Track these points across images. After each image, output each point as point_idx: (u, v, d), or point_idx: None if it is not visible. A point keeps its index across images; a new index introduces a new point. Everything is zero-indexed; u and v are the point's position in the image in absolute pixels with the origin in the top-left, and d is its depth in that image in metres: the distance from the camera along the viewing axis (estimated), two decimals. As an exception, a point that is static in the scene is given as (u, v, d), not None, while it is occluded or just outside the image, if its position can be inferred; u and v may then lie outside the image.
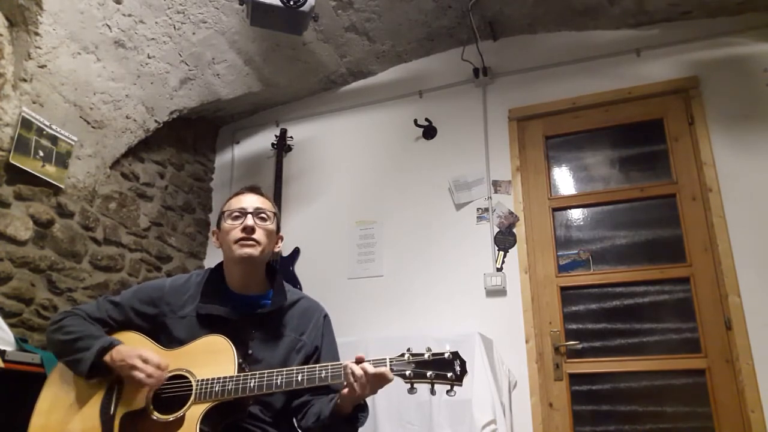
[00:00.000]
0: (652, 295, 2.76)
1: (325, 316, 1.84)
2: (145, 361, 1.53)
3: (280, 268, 3.30)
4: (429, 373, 1.43)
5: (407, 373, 1.45)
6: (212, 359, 1.58)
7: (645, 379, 2.65)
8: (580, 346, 2.78)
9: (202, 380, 1.56)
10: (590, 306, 2.85)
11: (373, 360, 1.48)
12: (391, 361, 1.48)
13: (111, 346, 1.59)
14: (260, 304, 1.75)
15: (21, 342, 2.22)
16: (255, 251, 1.70)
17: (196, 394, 1.54)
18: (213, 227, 1.88)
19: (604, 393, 2.71)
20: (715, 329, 2.59)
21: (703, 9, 2.92)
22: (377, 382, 1.45)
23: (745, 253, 2.59)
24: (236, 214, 1.73)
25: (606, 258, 2.89)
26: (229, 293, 1.75)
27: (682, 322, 2.68)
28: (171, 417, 1.52)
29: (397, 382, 1.48)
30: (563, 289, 2.90)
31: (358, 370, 1.45)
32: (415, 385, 1.44)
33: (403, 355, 1.48)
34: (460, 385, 1.44)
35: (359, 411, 1.57)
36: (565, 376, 2.75)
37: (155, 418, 1.53)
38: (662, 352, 2.66)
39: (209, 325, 1.66)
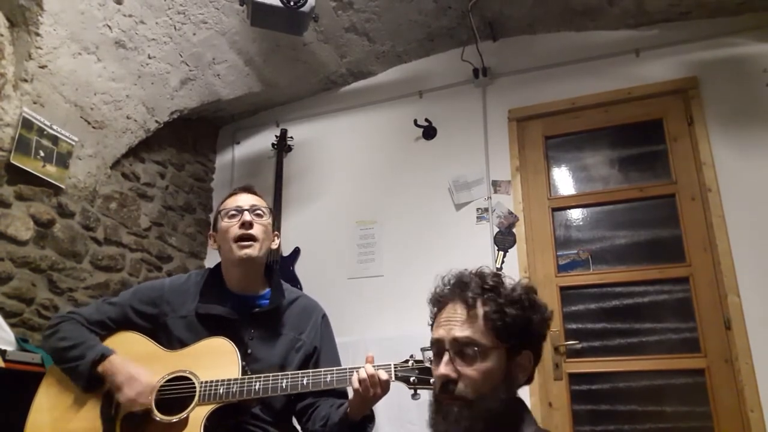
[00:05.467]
0: (651, 294, 2.76)
1: (324, 315, 1.86)
2: (131, 380, 1.54)
3: (280, 268, 3.31)
4: (432, 380, 1.45)
5: (411, 379, 1.47)
6: (215, 361, 1.59)
7: (644, 378, 2.65)
8: (579, 345, 2.78)
9: (206, 382, 1.56)
10: (590, 306, 2.85)
11: (377, 366, 1.50)
12: (395, 367, 1.50)
13: (103, 358, 1.59)
14: (259, 303, 1.76)
15: (21, 342, 2.23)
16: (254, 251, 1.71)
17: (200, 395, 1.55)
18: (210, 230, 1.89)
19: (604, 393, 2.71)
20: (714, 329, 2.60)
21: (703, 9, 2.92)
22: (381, 384, 1.47)
23: (745, 253, 2.60)
24: (233, 212, 1.75)
25: (605, 258, 2.89)
26: (227, 293, 1.76)
27: (681, 321, 2.68)
28: (174, 418, 1.52)
29: (401, 386, 1.50)
30: (563, 288, 2.90)
31: (363, 372, 1.47)
32: (419, 391, 1.47)
33: (407, 361, 1.51)
34: None
35: (367, 421, 1.58)
36: (564, 375, 2.75)
37: (158, 419, 1.52)
38: (662, 352, 2.66)
39: (209, 324, 1.67)
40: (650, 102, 3.00)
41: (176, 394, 1.57)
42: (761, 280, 2.54)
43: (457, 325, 1.09)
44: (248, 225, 1.72)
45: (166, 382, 1.59)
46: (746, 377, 2.45)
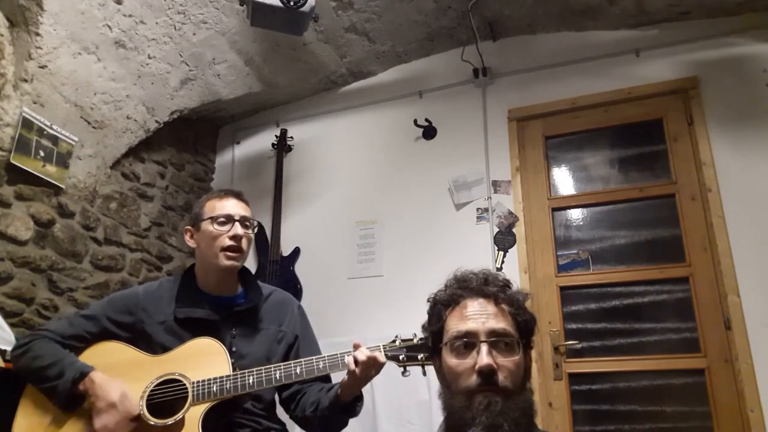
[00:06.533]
0: (651, 294, 2.76)
1: (299, 306, 1.90)
2: (111, 408, 1.50)
3: (279, 268, 3.32)
4: (420, 356, 1.53)
5: (401, 357, 1.54)
6: (204, 361, 1.59)
7: (644, 378, 2.65)
8: (579, 345, 2.78)
9: (199, 381, 1.56)
10: (590, 306, 2.85)
11: (367, 347, 1.56)
12: (384, 347, 1.56)
13: (83, 376, 1.54)
14: (235, 303, 1.77)
15: (22, 342, 2.23)
16: (239, 263, 1.75)
17: (193, 395, 1.54)
18: (188, 225, 1.84)
19: (604, 392, 2.71)
20: (714, 329, 2.60)
21: (703, 9, 2.92)
22: (376, 365, 1.53)
23: (745, 253, 2.60)
24: (222, 219, 1.73)
25: (605, 258, 2.89)
26: (203, 295, 1.76)
27: (681, 321, 2.68)
28: (170, 420, 1.51)
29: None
30: (563, 288, 2.90)
31: (361, 355, 1.52)
32: (408, 368, 1.55)
33: (394, 341, 1.58)
34: None
35: (356, 400, 1.62)
36: (564, 375, 2.75)
37: (153, 423, 1.50)
38: (662, 352, 2.66)
39: (189, 328, 1.67)
40: (650, 102, 3.00)
41: (167, 397, 1.56)
42: (761, 280, 2.54)
43: (491, 317, 1.11)
44: (239, 239, 1.72)
45: (155, 386, 1.57)
46: (746, 377, 2.45)
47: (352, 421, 1.68)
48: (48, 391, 1.56)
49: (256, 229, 1.83)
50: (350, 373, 1.52)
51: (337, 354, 1.58)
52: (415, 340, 1.55)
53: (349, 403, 1.59)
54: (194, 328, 1.66)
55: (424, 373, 1.57)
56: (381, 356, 1.52)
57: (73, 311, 2.68)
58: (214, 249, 1.71)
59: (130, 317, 1.71)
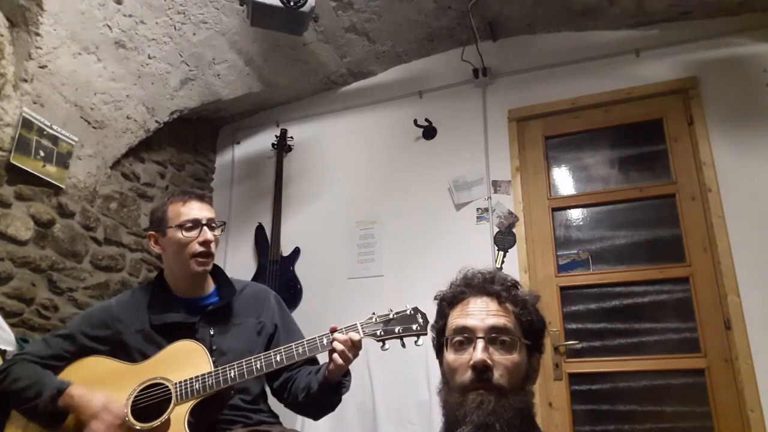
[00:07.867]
0: (651, 294, 2.76)
1: (275, 295, 1.90)
2: (97, 416, 1.49)
3: (279, 268, 3.32)
4: (397, 329, 1.58)
5: (378, 332, 1.59)
6: (184, 362, 1.59)
7: (644, 378, 2.65)
8: (579, 345, 2.78)
9: (181, 381, 1.56)
10: (590, 306, 2.85)
11: (344, 327, 1.59)
12: (361, 325, 1.60)
13: (60, 392, 1.54)
14: (209, 302, 1.77)
15: (22, 342, 2.23)
16: (209, 266, 1.75)
17: (176, 395, 1.54)
18: (152, 230, 1.79)
19: (604, 392, 2.71)
20: (714, 329, 2.60)
21: (703, 9, 2.92)
22: (354, 346, 1.56)
23: (745, 253, 2.60)
24: (190, 224, 1.71)
25: (605, 258, 2.89)
26: (177, 299, 1.75)
27: (681, 321, 2.68)
28: (156, 422, 1.50)
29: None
30: (563, 288, 2.90)
31: (338, 345, 1.54)
32: (387, 343, 1.58)
33: (370, 318, 1.62)
34: (425, 334, 1.57)
35: (343, 376, 1.65)
36: (564, 375, 2.75)
37: (139, 428, 1.51)
38: (661, 352, 2.66)
39: (167, 333, 1.67)
40: (650, 102, 3.00)
41: (151, 401, 1.56)
42: (761, 280, 2.54)
43: (492, 314, 1.10)
44: (209, 244, 1.71)
45: (139, 392, 1.57)
46: (746, 377, 2.45)
47: (352, 421, 1.69)
48: (29, 411, 1.56)
49: (223, 229, 1.82)
50: (332, 358, 1.55)
51: (315, 337, 1.60)
52: (390, 315, 1.60)
53: (338, 381, 1.62)
54: (172, 333, 1.66)
55: (403, 345, 1.61)
56: (355, 335, 1.56)
57: (71, 312, 2.69)
58: (184, 255, 1.70)
59: (107, 330, 1.70)
